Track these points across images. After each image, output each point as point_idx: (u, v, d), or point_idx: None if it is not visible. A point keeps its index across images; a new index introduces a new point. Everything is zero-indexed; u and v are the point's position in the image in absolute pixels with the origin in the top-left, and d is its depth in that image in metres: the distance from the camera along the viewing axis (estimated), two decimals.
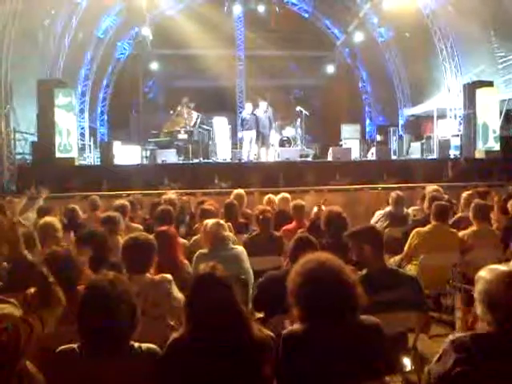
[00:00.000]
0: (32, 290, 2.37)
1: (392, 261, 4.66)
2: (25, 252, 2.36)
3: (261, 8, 15.74)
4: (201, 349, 2.04)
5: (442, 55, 13.76)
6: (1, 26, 9.82)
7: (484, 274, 1.95)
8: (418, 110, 15.77)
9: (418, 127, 15.96)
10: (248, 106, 12.34)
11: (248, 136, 12.08)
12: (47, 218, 4.34)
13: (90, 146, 14.59)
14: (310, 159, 12.94)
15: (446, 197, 6.07)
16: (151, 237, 3.27)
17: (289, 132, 14.29)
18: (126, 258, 3.10)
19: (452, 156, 12.55)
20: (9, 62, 10.23)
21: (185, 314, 2.17)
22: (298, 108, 13.91)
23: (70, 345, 2.06)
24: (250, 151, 12.18)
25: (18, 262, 2.44)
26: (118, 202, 5.61)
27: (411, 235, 4.68)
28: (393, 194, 6.11)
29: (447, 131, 13.57)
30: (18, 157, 11.11)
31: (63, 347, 2.07)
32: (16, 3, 9.72)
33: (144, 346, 2.10)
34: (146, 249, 3.09)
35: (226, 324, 2.07)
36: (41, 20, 11.73)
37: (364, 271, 3.08)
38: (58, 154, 10.94)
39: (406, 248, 4.69)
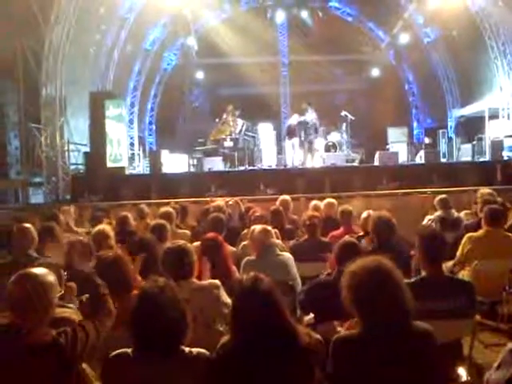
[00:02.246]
0: (84, 297, 2.47)
1: (444, 267, 4.52)
2: (78, 262, 2.46)
3: (304, 14, 15.75)
4: (249, 354, 2.06)
5: (492, 53, 13.26)
6: (56, 43, 10.30)
7: None
8: (468, 110, 15.26)
9: (468, 128, 15.44)
10: (294, 117, 12.41)
11: (290, 142, 12.12)
12: (100, 227, 4.49)
13: (139, 155, 15.00)
14: (356, 164, 12.78)
15: (500, 200, 5.83)
16: (184, 243, 3.29)
17: (334, 137, 14.16)
18: (166, 266, 3.15)
19: (506, 158, 12.06)
20: (63, 77, 10.71)
21: (230, 323, 2.20)
22: (343, 112, 13.78)
23: (124, 349, 2.12)
24: (294, 156, 12.18)
25: (73, 272, 2.55)
26: (164, 209, 5.70)
27: (463, 241, 4.53)
28: (437, 198, 5.95)
29: (500, 132, 13.05)
30: (72, 167, 11.56)
31: (118, 351, 2.13)
32: (69, 22, 10.18)
33: (194, 350, 2.14)
34: (182, 255, 3.11)
35: (271, 331, 2.07)
36: (92, 36, 12.25)
37: (419, 276, 3.02)
38: (109, 164, 11.32)
39: (458, 254, 4.55)
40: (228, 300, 3.16)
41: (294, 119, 12.27)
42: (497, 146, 12.40)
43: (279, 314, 2.11)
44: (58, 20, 10.11)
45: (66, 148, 11.18)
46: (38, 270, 2.23)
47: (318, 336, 2.22)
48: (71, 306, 2.58)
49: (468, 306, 2.99)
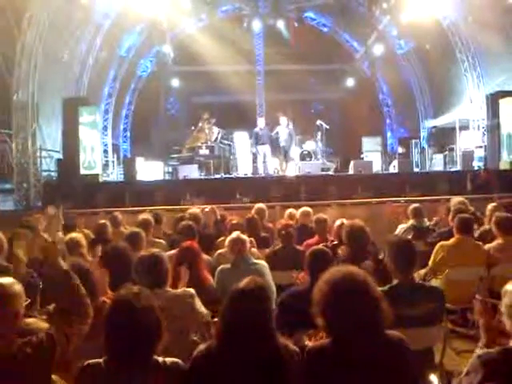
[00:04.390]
0: (51, 306, 2.40)
1: (416, 275, 4.59)
2: (61, 263, 2.40)
3: (280, 23, 15.89)
4: (227, 361, 2.05)
5: (463, 66, 13.64)
6: (28, 48, 10.12)
7: (511, 287, 1.92)
8: (439, 121, 15.62)
9: (440, 139, 15.79)
10: (260, 122, 12.44)
11: (262, 150, 12.14)
12: (73, 234, 4.41)
13: (113, 162, 14.81)
14: (331, 173, 12.88)
15: (472, 209, 5.96)
16: (158, 251, 3.26)
17: (309, 146, 14.27)
18: (140, 274, 3.11)
19: (476, 167, 12.37)
20: (36, 83, 10.52)
21: (217, 325, 2.18)
22: (318, 122, 13.89)
23: (97, 359, 2.07)
24: (266, 165, 12.22)
25: (52, 276, 2.49)
26: (141, 216, 5.63)
27: (435, 249, 4.60)
28: (411, 207, 6.07)
29: (470, 142, 13.40)
30: (44, 174, 11.34)
31: (90, 361, 2.08)
32: (43, 26, 10.02)
33: (168, 359, 2.11)
34: (156, 263, 3.08)
35: (255, 338, 2.07)
36: (66, 41, 12.08)
37: (391, 284, 3.05)
38: (82, 171, 11.16)
39: (430, 262, 4.61)
40: (202, 309, 3.14)
41: (261, 124, 12.29)
42: (467, 157, 12.73)
43: (267, 321, 2.13)
44: (30, 24, 9.94)
45: (38, 154, 10.97)
46: (4, 280, 2.17)
47: (295, 347, 2.22)
48: (40, 315, 2.52)
49: (439, 312, 3.04)
